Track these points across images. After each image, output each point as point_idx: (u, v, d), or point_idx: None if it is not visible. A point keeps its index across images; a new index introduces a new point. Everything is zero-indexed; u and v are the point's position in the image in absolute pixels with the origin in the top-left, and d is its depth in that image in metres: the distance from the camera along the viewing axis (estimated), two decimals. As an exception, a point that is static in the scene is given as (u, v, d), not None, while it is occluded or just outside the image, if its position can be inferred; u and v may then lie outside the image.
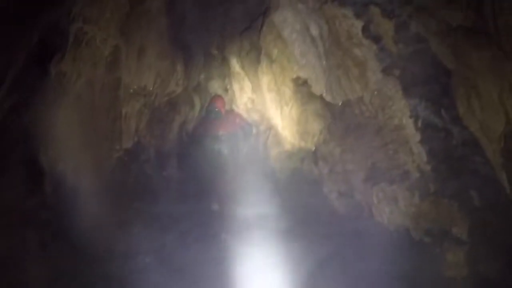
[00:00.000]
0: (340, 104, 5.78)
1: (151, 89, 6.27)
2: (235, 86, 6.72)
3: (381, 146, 5.21)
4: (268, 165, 6.26)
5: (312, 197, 5.62)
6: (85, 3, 5.70)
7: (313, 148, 5.91)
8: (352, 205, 5.32)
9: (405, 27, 5.14)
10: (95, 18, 5.75)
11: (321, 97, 5.88)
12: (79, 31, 5.66)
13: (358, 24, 5.50)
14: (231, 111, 6.73)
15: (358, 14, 5.49)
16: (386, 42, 5.31)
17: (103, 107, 5.85)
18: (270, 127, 6.41)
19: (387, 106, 5.26)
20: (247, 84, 6.58)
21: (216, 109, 6.16)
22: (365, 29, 5.46)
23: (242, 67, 6.55)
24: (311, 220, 5.29)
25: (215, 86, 7.01)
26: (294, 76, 5.99)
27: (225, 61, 6.82)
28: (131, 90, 6.12)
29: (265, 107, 6.38)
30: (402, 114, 5.11)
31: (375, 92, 5.38)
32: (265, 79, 6.16)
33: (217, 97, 6.53)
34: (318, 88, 5.88)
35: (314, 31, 5.80)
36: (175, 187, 6.09)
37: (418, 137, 4.91)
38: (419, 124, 4.93)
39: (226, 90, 6.94)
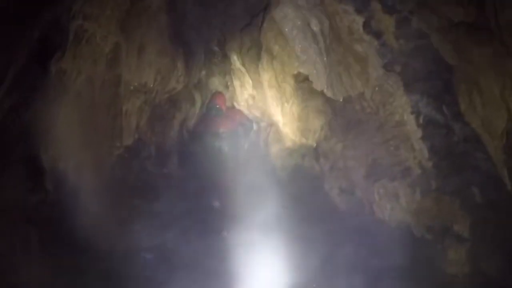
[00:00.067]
0: (341, 100, 5.77)
1: (151, 86, 6.25)
2: (236, 83, 6.70)
3: (382, 142, 5.20)
4: (269, 162, 6.25)
5: (313, 194, 5.61)
6: (85, 0, 5.69)
7: (314, 145, 5.90)
8: (353, 202, 5.32)
9: (406, 22, 5.12)
10: (96, 15, 5.72)
11: (322, 93, 5.85)
12: (79, 28, 5.63)
13: (359, 20, 5.48)
14: (231, 108, 6.74)
15: (359, 10, 5.47)
16: (387, 38, 5.29)
17: (104, 105, 5.84)
18: (271, 124, 6.40)
19: (388, 102, 5.25)
20: (248, 81, 6.55)
21: (217, 106, 6.17)
22: (366, 25, 5.44)
23: (243, 64, 6.52)
24: (312, 217, 5.28)
25: (215, 83, 7.00)
26: (295, 72, 5.96)
27: (225, 58, 6.79)
28: (132, 87, 6.10)
29: (266, 104, 6.36)
30: (403, 110, 5.10)
31: (376, 88, 5.37)
32: (266, 76, 6.14)
33: (218, 94, 6.54)
34: (319, 84, 5.86)
35: (315, 27, 5.77)
36: (175, 184, 6.08)
37: (419, 133, 4.90)
38: (421, 120, 4.93)
39: (226, 87, 6.93)
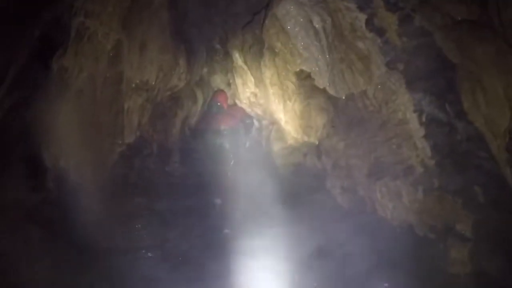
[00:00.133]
0: (343, 98, 5.74)
1: (153, 83, 6.23)
2: (238, 81, 6.68)
3: (385, 140, 5.17)
4: (271, 160, 6.24)
5: (315, 192, 5.59)
6: (86, -3, 5.69)
7: (316, 143, 5.87)
8: (355, 200, 5.29)
9: (409, 20, 5.09)
10: (97, 12, 5.73)
11: (324, 91, 5.83)
12: (81, 25, 5.65)
13: (362, 17, 5.45)
14: (233, 105, 6.74)
15: (362, 7, 5.44)
16: (390, 35, 5.26)
17: (105, 102, 5.84)
18: (273, 122, 6.38)
19: (391, 100, 5.22)
20: (250, 79, 6.54)
21: (219, 104, 6.21)
22: (368, 22, 5.41)
23: (245, 61, 6.50)
24: (314, 216, 5.26)
25: (217, 81, 6.99)
26: (297, 69, 5.94)
27: (227, 55, 6.78)
28: (133, 85, 6.09)
29: (268, 102, 6.34)
30: (406, 108, 5.07)
31: (379, 86, 5.34)
32: (268, 73, 6.12)
33: (220, 91, 6.58)
34: (321, 81, 5.84)
35: (317, 24, 5.74)
36: (177, 182, 6.08)
37: (422, 131, 4.87)
38: (423, 118, 4.89)
39: (228, 84, 6.92)
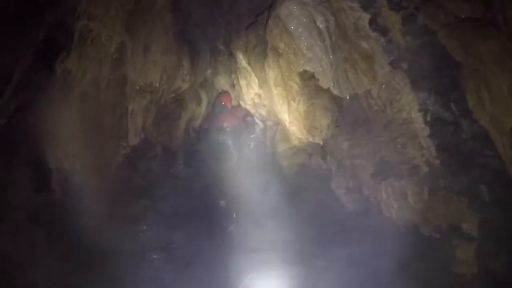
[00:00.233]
0: (347, 98, 5.70)
1: (157, 85, 6.24)
2: (242, 82, 6.67)
3: (390, 140, 5.14)
4: (275, 161, 6.23)
5: (320, 193, 5.57)
6: (90, 0, 5.70)
7: (321, 143, 5.85)
8: (361, 201, 5.26)
9: (412, 19, 5.05)
10: (100, 15, 5.76)
11: (328, 91, 5.80)
12: (84, 28, 5.68)
13: (365, 17, 5.41)
14: (237, 106, 6.75)
15: (365, 7, 5.41)
16: (394, 34, 5.22)
17: (109, 104, 5.86)
18: (278, 123, 6.37)
19: (395, 100, 5.18)
20: (254, 80, 6.52)
21: (223, 103, 6.35)
22: (372, 22, 5.37)
23: (249, 62, 6.49)
24: (319, 216, 5.25)
25: (221, 82, 6.99)
26: (301, 70, 5.91)
27: (231, 57, 6.77)
28: (137, 87, 6.11)
29: (272, 102, 6.32)
30: (411, 107, 5.03)
31: (383, 86, 5.30)
32: (272, 74, 6.10)
33: (224, 93, 6.59)
34: (325, 81, 5.80)
35: (321, 24, 5.71)
36: (182, 184, 6.08)
37: (427, 131, 4.83)
38: (428, 117, 4.85)
39: (232, 85, 6.91)
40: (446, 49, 4.78)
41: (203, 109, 6.89)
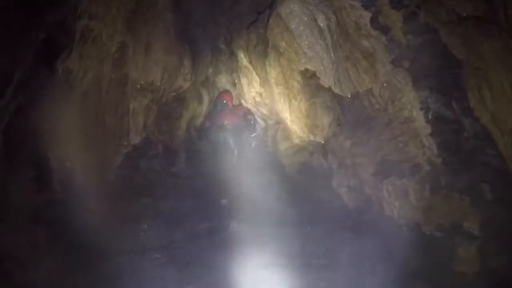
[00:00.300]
0: (349, 96, 5.70)
1: (158, 84, 6.25)
2: (243, 80, 6.68)
3: (391, 139, 5.13)
4: (277, 159, 6.23)
5: (321, 191, 5.57)
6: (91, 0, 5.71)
7: (322, 142, 5.85)
8: (362, 199, 5.26)
9: (414, 17, 5.04)
10: (101, 14, 5.76)
11: (329, 90, 5.80)
12: (85, 28, 5.68)
13: (366, 15, 5.41)
14: (238, 105, 6.75)
15: (366, 5, 5.40)
16: (395, 33, 5.22)
17: (111, 104, 5.87)
18: (279, 121, 6.37)
19: (397, 98, 5.17)
20: (255, 78, 6.53)
21: (224, 101, 6.38)
22: (373, 20, 5.37)
23: (250, 61, 6.50)
24: (320, 215, 5.25)
25: (223, 81, 7.00)
26: (302, 68, 5.92)
27: (232, 55, 6.78)
28: (139, 86, 6.11)
29: (273, 101, 6.33)
30: (412, 106, 5.02)
31: (384, 84, 5.30)
32: (273, 73, 6.11)
33: (226, 92, 6.60)
34: (327, 80, 5.80)
35: (322, 22, 5.71)
36: (183, 183, 6.08)
37: (428, 129, 4.83)
38: (430, 116, 4.85)
39: (234, 84, 6.92)
40: (448, 47, 4.78)
41: (204, 108, 6.90)
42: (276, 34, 5.97)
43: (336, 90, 5.76)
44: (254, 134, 6.53)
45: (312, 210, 5.34)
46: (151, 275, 4.61)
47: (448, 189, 4.47)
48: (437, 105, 4.81)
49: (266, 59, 6.19)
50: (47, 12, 5.42)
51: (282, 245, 4.70)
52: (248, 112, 6.53)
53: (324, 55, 5.76)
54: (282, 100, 6.18)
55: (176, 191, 5.88)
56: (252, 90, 6.64)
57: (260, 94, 6.58)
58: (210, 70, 7.02)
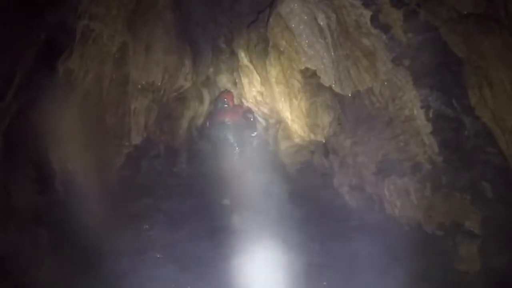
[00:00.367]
0: (349, 95, 5.70)
1: (159, 84, 6.25)
2: (244, 80, 6.69)
3: (392, 137, 5.13)
4: (278, 159, 6.23)
5: (323, 190, 5.57)
6: (91, 0, 5.71)
7: (323, 141, 5.85)
8: (363, 198, 5.27)
9: (414, 15, 5.03)
10: (102, 15, 5.76)
11: (330, 89, 5.80)
12: (86, 28, 5.68)
13: (367, 14, 5.40)
14: (238, 104, 6.76)
15: (367, 3, 5.39)
16: (395, 31, 5.20)
17: (112, 104, 5.87)
18: (280, 120, 6.37)
19: (398, 97, 5.17)
20: (256, 78, 6.53)
21: (225, 99, 6.43)
22: (373, 19, 5.36)
23: (251, 61, 6.50)
24: (322, 214, 5.25)
25: (224, 80, 7.00)
26: (303, 67, 5.92)
27: (233, 55, 6.79)
28: (139, 86, 6.12)
29: (274, 100, 6.33)
30: (413, 104, 5.01)
31: (385, 83, 5.29)
32: (273, 72, 6.11)
33: (226, 92, 6.62)
34: (327, 79, 5.81)
35: (322, 21, 5.71)
36: (185, 183, 6.08)
37: (429, 128, 4.82)
38: (430, 114, 4.84)
39: (235, 84, 6.93)
40: (448, 45, 4.77)
41: (205, 107, 6.91)
42: (276, 33, 5.98)
43: (337, 89, 5.77)
44: (255, 133, 6.52)
45: (313, 209, 5.33)
46: (152, 276, 4.62)
47: (449, 187, 4.47)
48: (438, 104, 4.80)
49: (266, 58, 6.19)
50: (48, 12, 5.40)
51: (283, 244, 4.69)
52: (248, 110, 6.54)
53: (325, 54, 5.76)
54: (282, 99, 6.18)
55: (177, 191, 5.88)
56: (253, 89, 6.64)
57: (261, 93, 6.58)
58: (211, 69, 7.03)
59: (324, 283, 4.42)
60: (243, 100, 6.83)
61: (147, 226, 5.29)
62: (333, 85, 5.78)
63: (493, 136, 4.40)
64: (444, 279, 4.13)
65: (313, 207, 5.38)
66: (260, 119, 6.77)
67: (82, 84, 5.58)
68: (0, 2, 4.79)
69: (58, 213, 4.90)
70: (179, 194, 5.81)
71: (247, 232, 5.10)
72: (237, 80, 6.86)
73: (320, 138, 5.86)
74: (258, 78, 6.50)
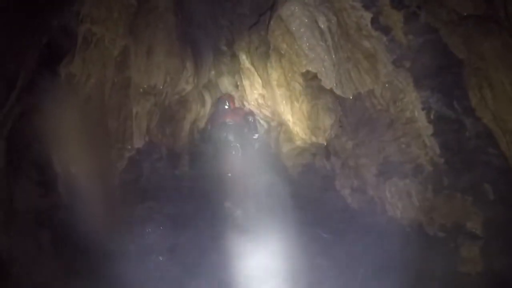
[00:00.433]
0: (350, 97, 5.71)
1: (161, 87, 6.24)
2: (245, 82, 6.68)
3: (393, 139, 5.13)
4: (280, 161, 6.22)
5: (325, 193, 5.56)
6: (92, 4, 5.74)
7: (325, 143, 5.84)
8: (365, 200, 5.25)
9: (414, 17, 5.06)
10: (103, 18, 5.80)
11: (331, 91, 5.80)
12: (87, 32, 5.73)
13: (367, 16, 5.43)
14: (240, 107, 6.78)
15: (367, 6, 5.43)
16: (396, 33, 5.23)
17: (114, 107, 5.89)
18: (281, 123, 6.37)
19: (399, 99, 5.18)
20: (257, 80, 6.53)
21: (226, 101, 6.50)
22: (374, 21, 5.39)
23: (252, 63, 6.50)
24: (323, 216, 5.25)
25: (225, 83, 7.00)
26: (304, 70, 5.93)
27: (234, 57, 6.79)
28: (141, 90, 6.12)
29: (275, 103, 6.33)
30: (414, 106, 5.03)
31: (386, 85, 5.31)
32: (275, 75, 6.11)
33: (228, 95, 6.64)
34: (328, 82, 5.81)
35: (323, 24, 5.72)
36: (187, 186, 6.08)
37: (430, 129, 4.83)
38: (432, 116, 4.86)
39: (236, 86, 6.92)
40: (448, 47, 4.79)
41: (207, 110, 6.89)
42: (277, 36, 5.99)
43: (338, 92, 5.77)
44: (256, 136, 6.52)
45: (315, 211, 5.33)
46: (155, 278, 4.63)
47: (451, 189, 4.48)
48: (439, 105, 4.82)
49: (267, 61, 6.19)
50: (50, 16, 5.45)
51: (284, 246, 4.70)
52: (249, 113, 6.55)
53: (325, 56, 5.77)
54: (284, 102, 6.18)
55: (180, 194, 5.88)
56: (255, 92, 6.64)
57: (263, 96, 6.58)
58: (212, 72, 7.02)
59: (325, 283, 4.43)
60: (245, 103, 6.82)
61: (149, 229, 5.30)
62: (334, 88, 5.78)
63: (494, 137, 4.41)
64: (446, 281, 4.13)
65: (315, 209, 5.37)
66: (261, 121, 6.77)
67: (84, 88, 5.62)
68: (0, 2, 4.82)
69: (61, 215, 4.94)
70: (181, 197, 5.81)
71: (249, 233, 5.11)
72: (238, 83, 6.86)
73: (322, 140, 5.85)
74: (260, 81, 6.50)
